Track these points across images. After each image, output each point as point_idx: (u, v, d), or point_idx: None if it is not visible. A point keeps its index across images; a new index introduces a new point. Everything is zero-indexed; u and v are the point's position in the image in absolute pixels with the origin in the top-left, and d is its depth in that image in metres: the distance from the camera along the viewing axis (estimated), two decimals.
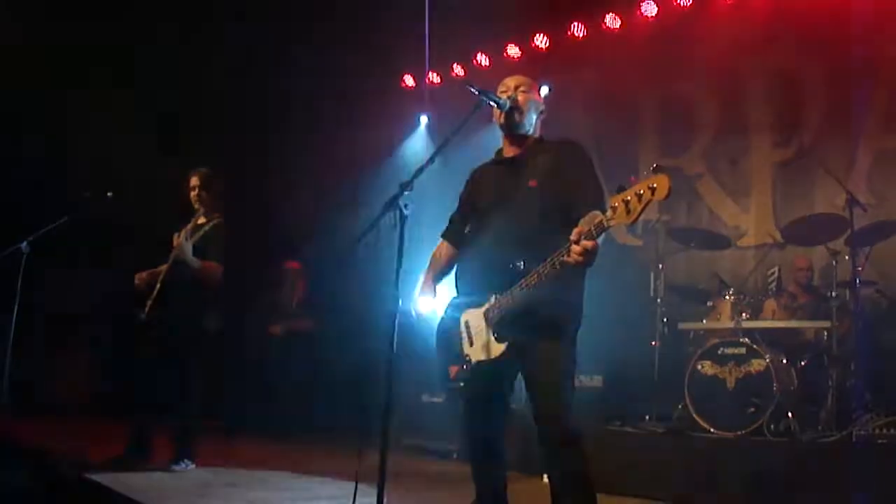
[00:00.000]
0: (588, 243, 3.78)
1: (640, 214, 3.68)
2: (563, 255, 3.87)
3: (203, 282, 6.86)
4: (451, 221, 4.72)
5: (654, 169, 3.70)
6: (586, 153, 4.38)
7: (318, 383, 9.57)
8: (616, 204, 3.69)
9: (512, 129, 4.46)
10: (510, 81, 4.48)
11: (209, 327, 6.95)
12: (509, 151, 4.52)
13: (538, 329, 4.11)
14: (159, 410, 6.92)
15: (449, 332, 4.39)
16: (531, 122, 4.47)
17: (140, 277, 6.97)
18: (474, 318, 4.27)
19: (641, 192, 3.64)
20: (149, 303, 6.87)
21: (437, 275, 4.66)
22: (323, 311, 10.12)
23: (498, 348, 4.16)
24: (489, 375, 4.24)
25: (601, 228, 3.77)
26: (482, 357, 4.23)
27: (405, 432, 8.46)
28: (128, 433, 6.85)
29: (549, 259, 3.95)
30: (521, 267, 4.08)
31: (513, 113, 4.40)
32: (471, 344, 4.30)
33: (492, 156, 4.65)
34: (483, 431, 4.39)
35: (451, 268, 4.62)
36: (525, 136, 4.47)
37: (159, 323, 6.84)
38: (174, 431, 6.92)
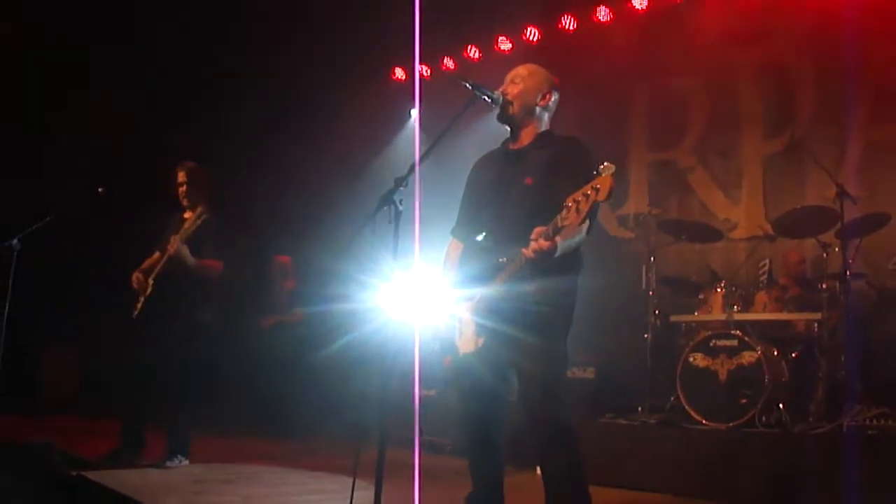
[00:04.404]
0: (544, 243, 3.85)
1: (587, 216, 3.73)
2: (520, 255, 3.97)
3: (200, 278, 6.85)
4: (458, 218, 4.67)
5: (601, 168, 3.69)
6: (587, 152, 4.34)
7: (309, 377, 9.54)
8: (570, 203, 3.73)
9: (505, 123, 4.48)
10: (510, 73, 4.49)
11: (202, 322, 6.95)
12: (513, 143, 4.51)
13: (522, 323, 4.13)
14: (153, 406, 6.91)
15: (446, 325, 4.41)
16: (528, 114, 4.46)
17: (137, 278, 6.95)
18: (465, 312, 4.29)
19: (588, 193, 3.68)
20: (141, 299, 6.87)
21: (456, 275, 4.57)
22: (314, 306, 10.11)
23: (479, 341, 4.20)
24: (477, 367, 4.27)
25: (556, 229, 3.83)
26: (469, 349, 4.27)
27: (397, 427, 8.46)
28: (121, 429, 6.84)
29: (510, 258, 4.03)
30: (505, 262, 4.12)
31: (505, 106, 4.41)
32: (460, 336, 4.33)
33: (487, 148, 4.65)
34: (478, 423, 4.41)
35: None
36: (525, 129, 4.47)
37: (153, 318, 6.83)
38: (168, 427, 6.90)
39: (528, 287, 4.06)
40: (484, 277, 4.21)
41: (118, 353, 7.26)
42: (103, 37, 10.59)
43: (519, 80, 4.47)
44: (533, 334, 4.14)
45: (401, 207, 3.87)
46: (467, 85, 4.29)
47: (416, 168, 4.04)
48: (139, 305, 6.86)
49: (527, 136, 4.47)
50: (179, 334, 6.78)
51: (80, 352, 11.54)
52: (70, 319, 11.14)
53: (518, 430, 4.36)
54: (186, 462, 6.79)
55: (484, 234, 4.28)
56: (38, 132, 10.64)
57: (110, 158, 9.98)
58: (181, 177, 7.12)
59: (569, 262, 4.17)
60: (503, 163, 4.48)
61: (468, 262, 4.41)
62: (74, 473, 5.48)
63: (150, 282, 6.84)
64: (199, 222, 6.87)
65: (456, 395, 4.49)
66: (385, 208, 3.87)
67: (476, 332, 4.21)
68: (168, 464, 6.68)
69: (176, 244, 6.72)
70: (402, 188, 3.89)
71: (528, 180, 4.26)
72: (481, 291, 4.19)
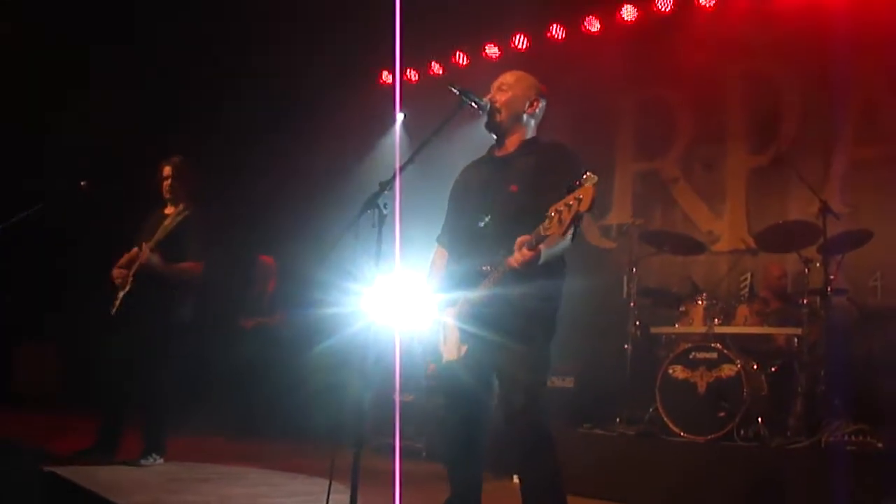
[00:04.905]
0: (527, 253, 3.85)
1: (569, 226, 3.71)
2: (503, 264, 3.96)
3: (178, 281, 6.82)
4: (444, 225, 4.66)
5: (583, 178, 3.67)
6: (572, 158, 4.33)
7: (289, 379, 9.52)
8: (552, 213, 3.71)
9: (492, 130, 4.47)
10: (497, 80, 4.48)
11: (181, 320, 6.90)
12: (498, 150, 4.50)
13: (503, 330, 4.11)
14: (129, 404, 6.86)
15: (430, 331, 4.39)
16: (516, 121, 4.44)
17: (118, 273, 6.89)
18: (449, 318, 4.27)
19: (570, 203, 3.66)
20: (120, 295, 6.82)
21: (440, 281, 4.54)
22: (295, 308, 10.08)
23: (462, 348, 4.19)
24: (460, 374, 4.25)
25: (539, 238, 3.82)
26: (452, 356, 4.25)
27: (373, 431, 8.43)
28: (96, 426, 6.79)
29: (492, 268, 4.02)
30: (488, 269, 4.09)
31: (492, 113, 4.40)
32: (444, 342, 4.31)
33: (473, 154, 4.64)
34: (459, 429, 4.38)
35: None
36: (511, 136, 4.45)
37: (131, 315, 6.78)
38: (144, 425, 6.85)
39: (511, 293, 4.04)
40: (466, 283, 4.19)
41: (95, 350, 7.22)
42: (95, 38, 10.57)
43: (506, 88, 4.46)
44: (515, 340, 4.12)
45: (385, 211, 3.85)
46: (455, 90, 4.28)
47: (397, 173, 4.03)
48: (118, 302, 6.81)
49: (512, 143, 4.46)
50: (157, 332, 6.73)
51: (57, 347, 11.47)
52: (49, 314, 11.09)
53: (498, 438, 4.35)
54: (161, 461, 6.73)
55: (488, 217, 4.24)
56: (33, 131, 10.62)
57: (98, 156, 9.93)
58: (166, 171, 7.08)
59: (552, 269, 4.15)
60: (489, 170, 4.47)
61: (451, 268, 4.40)
62: (45, 470, 5.45)
63: (130, 278, 6.79)
64: (179, 219, 6.85)
65: (440, 401, 4.47)
66: (369, 212, 3.86)
67: (460, 339, 4.20)
68: (142, 462, 6.63)
69: (146, 254, 6.68)
70: (386, 192, 3.88)
71: (513, 187, 4.24)
72: (464, 297, 4.18)
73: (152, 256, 6.68)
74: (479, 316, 4.14)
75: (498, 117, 4.41)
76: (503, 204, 4.24)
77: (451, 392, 4.37)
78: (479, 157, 4.64)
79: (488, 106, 4.37)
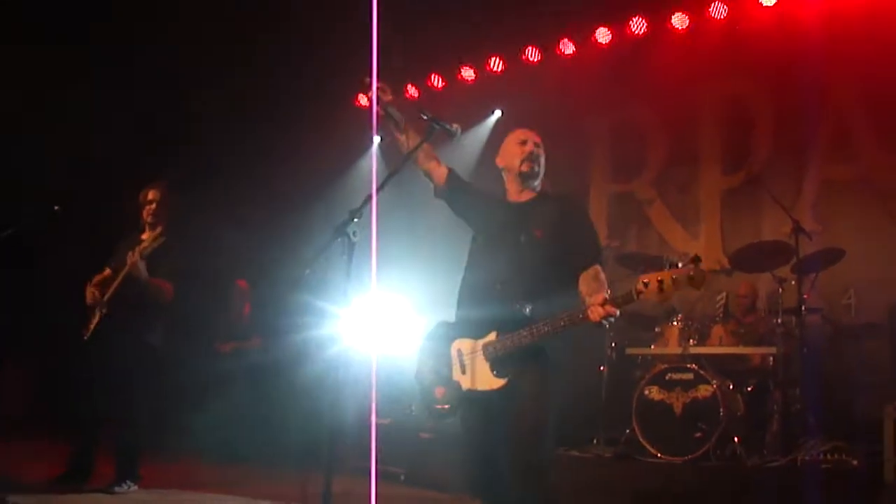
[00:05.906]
0: (612, 309, 3.99)
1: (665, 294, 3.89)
2: (580, 314, 4.07)
3: (151, 299, 6.76)
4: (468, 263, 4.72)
5: (692, 259, 3.90)
6: (585, 208, 4.74)
7: (262, 404, 9.46)
8: (648, 280, 3.89)
9: (528, 181, 4.59)
10: (529, 136, 4.64)
11: (153, 344, 6.86)
12: (517, 196, 4.63)
13: (532, 366, 4.21)
14: (101, 430, 6.80)
15: (437, 355, 4.47)
16: (541, 176, 4.63)
17: (92, 293, 6.85)
18: (468, 348, 4.35)
19: (676, 276, 3.85)
20: (94, 319, 6.78)
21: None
22: (270, 333, 10.03)
23: (496, 382, 4.24)
24: (482, 404, 4.30)
25: (628, 300, 3.98)
26: (474, 386, 4.31)
27: (351, 455, 8.39)
28: (69, 452, 6.73)
29: (563, 315, 4.12)
30: (527, 312, 4.20)
31: (533, 167, 4.56)
32: (462, 371, 4.36)
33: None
34: (484, 458, 4.37)
35: None
36: (534, 187, 4.63)
37: (104, 340, 6.74)
38: (117, 451, 6.78)
39: (547, 341, 4.18)
40: (501, 322, 4.26)
41: (67, 374, 7.15)
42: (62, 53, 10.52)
43: (541, 149, 4.63)
44: (540, 375, 4.23)
45: (354, 239, 3.84)
46: (425, 117, 4.33)
47: (374, 195, 4.02)
48: (91, 325, 6.77)
49: (531, 193, 4.61)
50: (129, 356, 6.67)
51: (28, 370, 11.36)
52: (22, 338, 10.98)
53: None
54: (135, 487, 6.65)
55: (514, 261, 4.39)
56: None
57: (66, 176, 9.89)
58: (152, 195, 7.02)
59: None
60: (510, 214, 4.58)
61: (475, 298, 4.46)
62: (11, 501, 5.39)
63: (104, 302, 6.74)
64: (155, 244, 6.79)
65: (462, 431, 4.48)
66: (339, 240, 3.84)
67: (494, 375, 4.24)
68: (116, 489, 6.54)
69: (136, 257, 6.61)
70: (356, 220, 3.86)
71: (538, 233, 4.39)
72: (496, 334, 4.26)
73: (140, 263, 6.61)
74: (515, 356, 4.21)
75: (537, 170, 4.58)
76: (530, 248, 4.38)
77: (473, 421, 4.39)
78: (490, 196, 4.75)
79: (458, 133, 4.42)
